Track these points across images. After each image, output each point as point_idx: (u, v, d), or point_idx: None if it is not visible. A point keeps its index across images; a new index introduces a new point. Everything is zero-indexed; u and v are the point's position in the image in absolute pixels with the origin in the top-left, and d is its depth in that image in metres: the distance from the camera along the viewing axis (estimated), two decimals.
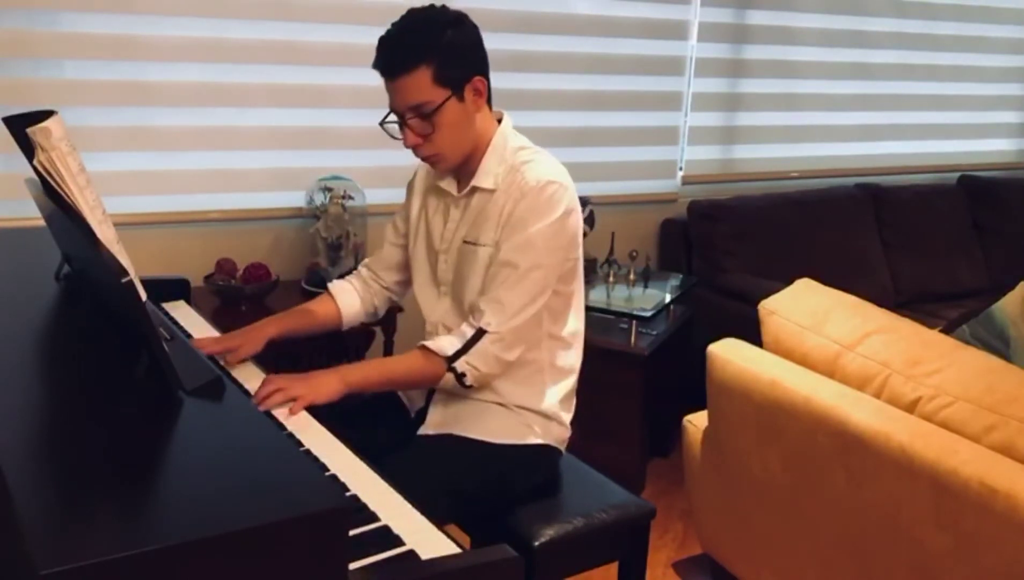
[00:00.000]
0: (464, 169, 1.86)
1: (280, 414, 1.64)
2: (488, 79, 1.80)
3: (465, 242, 1.86)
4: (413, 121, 1.74)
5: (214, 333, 1.99)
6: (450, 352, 1.76)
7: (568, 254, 1.83)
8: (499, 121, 1.87)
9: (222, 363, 1.84)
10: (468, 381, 1.79)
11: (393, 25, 1.74)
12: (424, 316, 1.97)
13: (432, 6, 1.78)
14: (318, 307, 2.05)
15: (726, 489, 2.30)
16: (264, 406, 1.62)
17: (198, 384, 1.37)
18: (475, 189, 1.84)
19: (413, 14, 1.75)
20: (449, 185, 1.89)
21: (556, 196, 1.76)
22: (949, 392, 1.81)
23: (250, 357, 1.88)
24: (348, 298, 2.06)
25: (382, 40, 1.74)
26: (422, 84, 1.70)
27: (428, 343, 1.78)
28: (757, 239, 3.67)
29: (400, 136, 1.78)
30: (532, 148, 1.86)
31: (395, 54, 1.71)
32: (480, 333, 1.75)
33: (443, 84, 1.71)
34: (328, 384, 1.71)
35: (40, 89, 2.74)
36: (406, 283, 2.08)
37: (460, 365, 1.76)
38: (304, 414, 1.68)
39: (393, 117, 1.78)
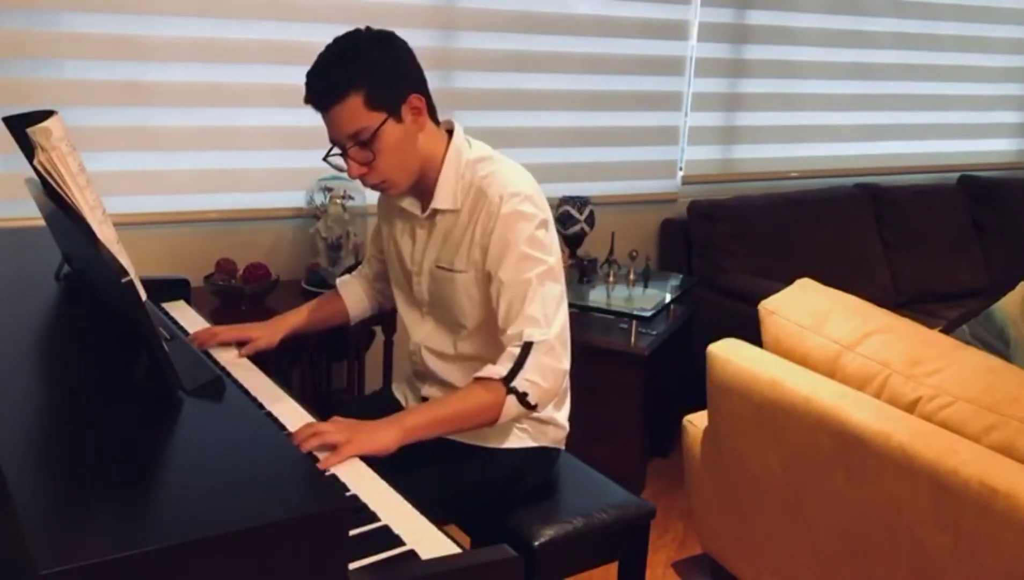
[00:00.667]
0: (422, 187, 1.81)
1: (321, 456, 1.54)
2: (426, 95, 1.74)
3: (438, 267, 1.83)
4: (353, 150, 1.70)
5: None
6: (504, 373, 1.67)
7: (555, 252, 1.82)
8: (450, 132, 1.82)
9: (221, 363, 1.83)
10: (532, 400, 1.69)
11: (318, 56, 1.70)
12: (408, 334, 1.96)
13: (356, 30, 1.73)
14: (330, 304, 2.08)
15: (726, 489, 2.30)
16: (302, 447, 1.51)
17: (198, 384, 1.37)
18: (436, 211, 1.80)
19: (336, 41, 1.71)
20: (412, 205, 1.85)
21: (522, 207, 1.72)
22: (949, 392, 1.81)
23: (261, 350, 1.91)
24: (355, 295, 2.09)
25: (308, 74, 1.69)
26: (355, 111, 1.65)
27: (480, 373, 1.70)
28: (757, 239, 3.67)
29: (345, 169, 1.74)
30: (489, 157, 1.80)
31: (323, 85, 1.67)
32: (528, 347, 1.68)
33: (377, 107, 1.66)
34: (385, 433, 1.61)
35: (40, 89, 2.74)
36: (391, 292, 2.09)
37: (519, 384, 1.67)
38: (304, 414, 1.68)
39: (337, 149, 1.74)
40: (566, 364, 1.75)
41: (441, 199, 1.78)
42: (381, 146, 1.68)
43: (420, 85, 1.74)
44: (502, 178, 1.75)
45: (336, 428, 1.57)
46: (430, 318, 1.91)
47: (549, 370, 1.70)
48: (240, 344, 1.93)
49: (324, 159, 1.77)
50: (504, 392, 1.68)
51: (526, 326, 1.69)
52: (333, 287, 2.96)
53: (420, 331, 1.93)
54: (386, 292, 2.10)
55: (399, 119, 1.70)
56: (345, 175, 3.17)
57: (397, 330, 3.00)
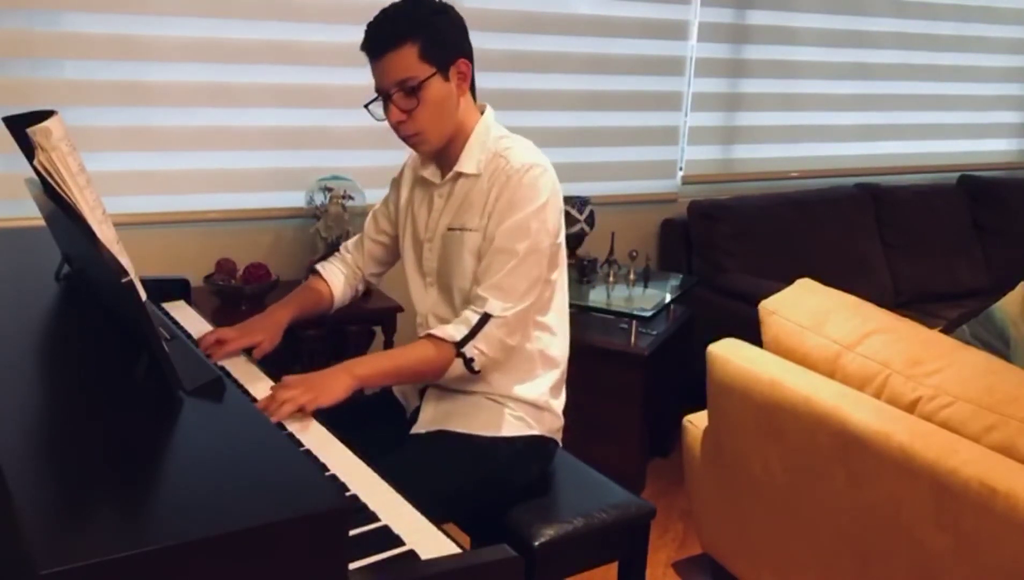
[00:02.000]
0: (446, 156, 1.89)
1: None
2: (472, 67, 1.84)
3: (450, 229, 1.88)
4: (398, 96, 1.77)
5: None
6: (458, 338, 1.77)
7: (555, 238, 1.85)
8: (482, 112, 1.90)
9: (222, 364, 1.83)
10: (476, 366, 1.79)
11: (380, 11, 1.79)
12: (415, 307, 1.99)
13: None
14: (316, 289, 2.09)
15: (726, 489, 2.30)
16: (276, 418, 1.59)
17: (198, 384, 1.37)
18: (458, 175, 1.87)
19: (397, 2, 1.80)
20: (432, 174, 1.92)
21: (541, 179, 1.80)
22: (949, 392, 1.81)
23: (267, 353, 1.91)
24: (338, 281, 2.11)
25: (370, 23, 1.78)
26: (408, 59, 1.74)
27: (434, 331, 1.79)
28: (757, 239, 3.67)
29: (384, 118, 1.82)
30: (513, 137, 1.90)
31: (383, 31, 1.76)
32: (485, 318, 1.77)
33: (429, 61, 1.75)
34: (337, 381, 1.71)
35: (40, 89, 2.74)
36: (382, 274, 2.16)
37: (468, 350, 1.78)
38: (304, 414, 1.68)
39: (378, 102, 1.82)
40: (515, 340, 1.83)
41: (465, 163, 1.85)
42: (425, 97, 1.76)
43: (470, 55, 1.83)
44: (524, 150, 1.84)
45: (300, 390, 1.65)
46: (434, 288, 1.94)
47: (498, 342, 1.79)
48: (246, 350, 1.91)
49: (365, 106, 1.85)
50: (453, 354, 1.78)
51: (492, 294, 1.78)
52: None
53: (426, 302, 1.97)
54: (369, 276, 2.13)
55: (446, 77, 1.78)
56: (347, 174, 3.18)
57: (397, 330, 3.00)
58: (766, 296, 2.26)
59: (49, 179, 1.45)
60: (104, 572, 0.93)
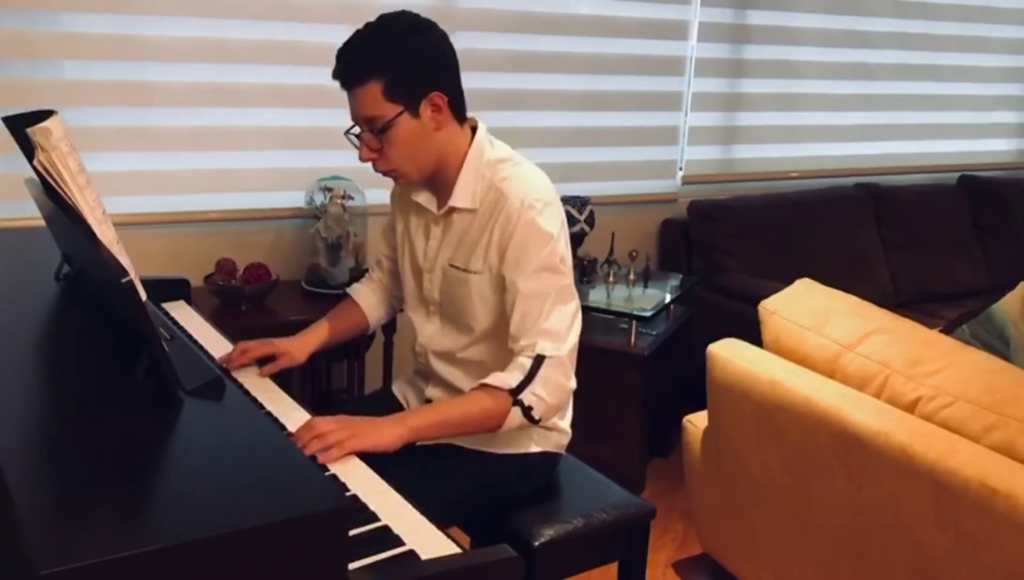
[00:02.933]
0: (439, 184, 1.80)
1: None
2: (451, 93, 1.71)
3: (452, 266, 1.81)
4: (366, 136, 1.70)
5: (215, 333, 1.99)
6: (513, 384, 1.67)
7: (569, 263, 1.80)
8: (473, 130, 1.80)
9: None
10: (536, 414, 1.70)
11: (354, 32, 1.69)
12: (416, 333, 1.94)
13: (400, 12, 1.71)
14: (350, 314, 2.04)
15: (726, 489, 2.30)
16: (307, 451, 1.51)
17: (198, 384, 1.37)
18: (454, 209, 1.79)
19: (376, 22, 1.69)
20: (428, 202, 1.84)
21: (541, 217, 1.70)
22: (949, 392, 1.81)
23: (285, 368, 1.86)
24: (371, 302, 2.05)
25: (340, 49, 1.69)
26: (373, 97, 1.65)
27: (488, 380, 1.69)
28: (757, 239, 3.67)
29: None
30: (510, 159, 1.78)
31: (348, 64, 1.67)
32: (540, 360, 1.67)
33: (394, 99, 1.65)
34: (388, 430, 1.62)
35: (40, 89, 2.74)
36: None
37: (526, 397, 1.67)
38: (303, 414, 1.68)
39: (356, 129, 1.74)
40: (573, 383, 1.75)
41: (459, 198, 1.77)
42: (392, 137, 1.68)
43: (447, 82, 1.71)
44: (523, 182, 1.74)
45: (339, 426, 1.57)
46: (437, 318, 1.89)
47: (556, 386, 1.70)
48: (266, 358, 1.87)
49: (345, 134, 1.77)
50: (510, 403, 1.68)
51: (540, 338, 1.68)
52: (332, 287, 2.98)
53: (426, 330, 1.91)
54: (398, 294, 2.07)
55: (415, 114, 1.68)
56: (347, 174, 3.19)
57: (397, 330, 3.00)
58: (766, 296, 2.26)
59: (49, 179, 1.46)
60: (104, 572, 0.93)
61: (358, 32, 1.68)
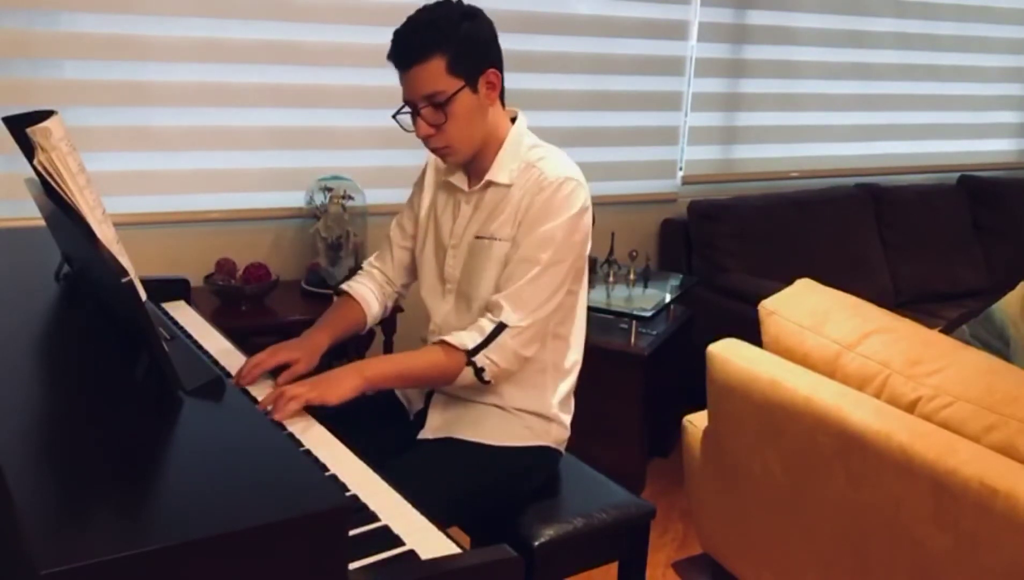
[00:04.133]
0: (475, 164, 1.85)
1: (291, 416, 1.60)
2: (502, 75, 1.81)
3: (477, 237, 1.85)
4: (426, 111, 1.74)
5: (214, 333, 1.99)
6: (470, 346, 1.74)
7: (582, 251, 1.84)
8: (513, 120, 1.88)
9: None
10: (487, 376, 1.77)
11: (408, 18, 1.75)
12: (429, 314, 1.95)
13: (447, 1, 1.78)
14: (350, 312, 2.01)
15: (726, 489, 2.30)
16: (280, 415, 1.58)
17: (198, 384, 1.37)
18: (489, 184, 1.84)
19: (427, 7, 1.75)
20: (460, 180, 1.89)
21: (574, 193, 1.79)
22: (949, 392, 1.81)
23: (300, 375, 1.80)
24: (369, 298, 2.03)
25: (397, 32, 1.74)
26: (436, 73, 1.70)
27: (447, 338, 1.76)
28: (757, 239, 3.67)
29: (412, 128, 1.78)
30: (546, 146, 1.88)
31: (410, 43, 1.72)
32: (500, 327, 1.74)
33: (457, 74, 1.71)
34: (345, 380, 1.69)
35: (40, 89, 2.74)
36: (410, 283, 2.08)
37: (480, 359, 1.75)
38: (305, 414, 1.68)
39: (406, 110, 1.78)
40: (530, 352, 1.80)
41: (497, 173, 1.83)
42: (453, 111, 1.73)
43: (499, 63, 1.80)
44: (560, 162, 1.83)
45: (305, 388, 1.64)
46: (452, 296, 1.91)
47: (512, 353, 1.77)
48: (279, 369, 1.81)
49: (393, 116, 1.82)
50: (464, 362, 1.75)
51: (510, 304, 1.75)
52: (333, 287, 2.98)
53: (441, 310, 1.92)
54: (401, 288, 2.07)
55: (475, 89, 1.75)
56: (347, 174, 3.18)
57: (397, 330, 3.00)
58: (766, 296, 2.26)
59: (49, 179, 1.46)
60: (104, 572, 0.93)
61: (412, 18, 1.75)
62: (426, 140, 1.78)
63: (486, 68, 1.76)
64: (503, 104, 1.86)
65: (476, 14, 1.77)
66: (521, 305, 1.75)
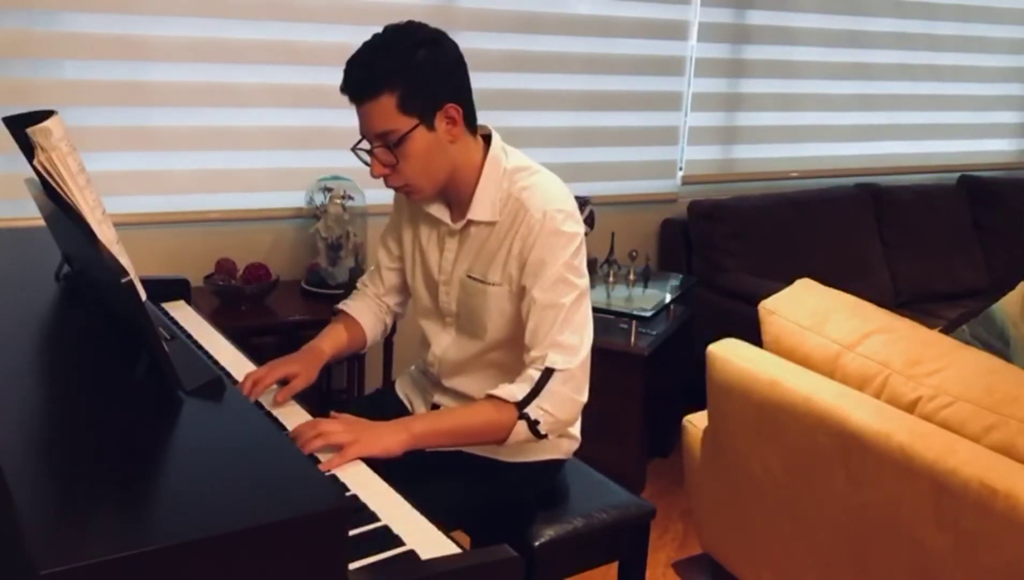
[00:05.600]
0: (453, 196, 1.77)
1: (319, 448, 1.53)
2: (465, 105, 1.68)
3: (469, 277, 1.78)
4: (379, 150, 1.65)
5: (214, 333, 1.99)
6: (520, 397, 1.64)
7: (586, 273, 1.79)
8: (486, 139, 1.77)
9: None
10: (542, 429, 1.67)
11: (363, 44, 1.64)
12: (430, 344, 1.90)
13: (408, 23, 1.67)
14: (348, 330, 1.95)
15: (726, 489, 2.30)
16: (306, 449, 1.50)
17: (198, 384, 1.37)
18: (471, 222, 1.76)
19: (384, 34, 1.64)
20: (441, 213, 1.79)
21: (564, 225, 1.69)
22: (949, 392, 1.81)
23: (300, 391, 1.76)
24: (367, 318, 1.97)
25: (348, 62, 1.64)
26: (387, 111, 1.60)
27: (495, 391, 1.66)
28: (757, 239, 3.67)
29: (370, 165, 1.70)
30: (527, 168, 1.76)
31: (360, 77, 1.62)
32: (548, 373, 1.65)
33: (409, 112, 1.60)
34: (391, 435, 1.59)
35: (40, 89, 2.74)
36: (406, 302, 2.02)
37: (532, 411, 1.64)
38: (303, 414, 1.68)
39: (365, 143, 1.69)
40: (584, 396, 1.71)
41: (479, 211, 1.73)
42: (407, 151, 1.64)
43: (460, 94, 1.67)
44: (542, 192, 1.71)
45: (342, 428, 1.55)
46: (453, 329, 1.85)
47: (566, 401, 1.67)
48: (281, 382, 1.77)
49: (352, 149, 1.72)
50: (516, 416, 1.65)
51: (551, 351, 1.66)
52: (332, 287, 2.98)
53: (442, 342, 1.87)
54: (396, 307, 2.02)
55: (431, 127, 1.64)
56: (347, 174, 3.19)
57: (397, 330, 3.00)
58: (766, 296, 2.26)
59: (49, 179, 1.45)
60: (104, 572, 0.93)
61: (366, 45, 1.64)
62: (384, 180, 1.69)
63: (443, 103, 1.63)
64: (473, 131, 1.73)
65: (437, 41, 1.65)
66: (563, 349, 1.66)
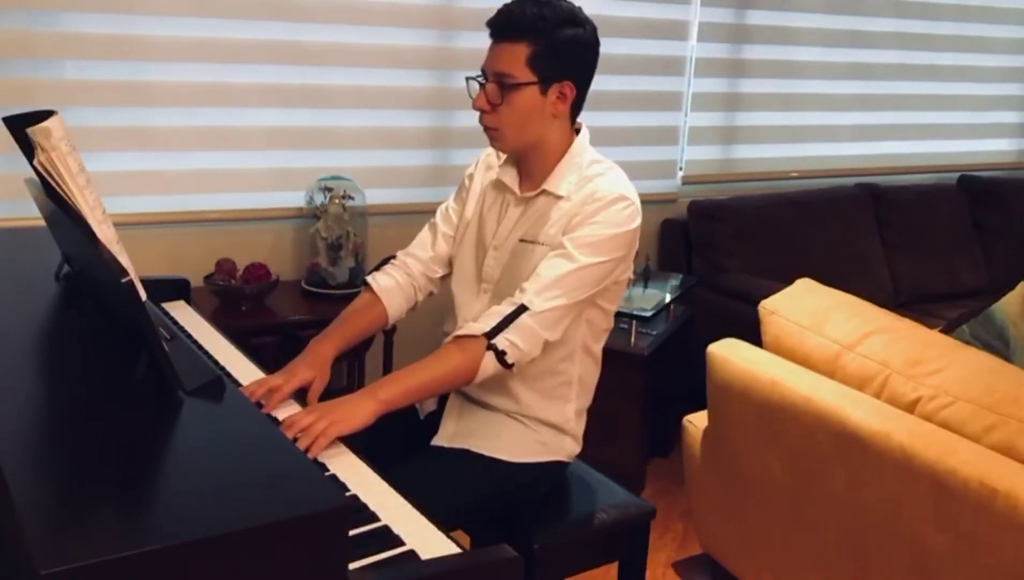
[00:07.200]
0: (530, 168, 1.83)
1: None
2: (580, 90, 1.78)
3: (522, 241, 1.82)
4: (491, 86, 1.74)
5: (214, 333, 1.99)
6: (487, 329, 1.68)
7: (626, 267, 1.83)
8: (577, 131, 1.85)
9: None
10: (509, 359, 1.69)
11: None
12: (456, 311, 1.91)
13: (566, 1, 1.76)
14: (366, 311, 1.94)
15: (726, 489, 2.30)
16: (313, 454, 1.51)
17: (198, 384, 1.37)
18: (544, 192, 1.81)
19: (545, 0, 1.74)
20: (512, 180, 1.86)
21: (626, 212, 1.76)
22: (949, 392, 1.81)
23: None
24: (394, 297, 1.95)
25: (506, 4, 1.74)
26: (516, 58, 1.70)
27: (459, 331, 1.71)
28: (757, 239, 3.67)
29: (474, 95, 1.78)
30: (605, 162, 1.85)
31: (508, 20, 1.72)
32: (521, 309, 1.69)
33: (534, 68, 1.71)
34: (359, 407, 1.60)
35: (40, 89, 2.74)
36: (448, 277, 1.99)
37: (500, 342, 1.68)
38: None
39: (480, 78, 1.77)
40: (553, 335, 1.74)
41: (555, 183, 1.80)
42: (514, 100, 1.73)
43: (581, 80, 1.77)
44: (613, 181, 1.80)
45: (316, 417, 1.56)
46: (488, 296, 1.86)
47: (531, 335, 1.71)
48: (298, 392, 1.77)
49: (467, 78, 1.80)
50: (483, 349, 1.69)
51: (533, 284, 1.71)
52: (332, 287, 2.98)
53: (474, 308, 1.87)
54: (437, 279, 2.00)
55: (544, 92, 1.74)
56: (347, 174, 3.18)
57: (397, 330, 3.00)
58: (766, 296, 2.26)
59: (49, 179, 1.46)
60: (104, 572, 0.93)
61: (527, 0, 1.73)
62: (480, 114, 1.77)
63: (564, 78, 1.74)
64: (573, 118, 1.84)
65: (583, 24, 1.75)
66: (544, 290, 1.70)
